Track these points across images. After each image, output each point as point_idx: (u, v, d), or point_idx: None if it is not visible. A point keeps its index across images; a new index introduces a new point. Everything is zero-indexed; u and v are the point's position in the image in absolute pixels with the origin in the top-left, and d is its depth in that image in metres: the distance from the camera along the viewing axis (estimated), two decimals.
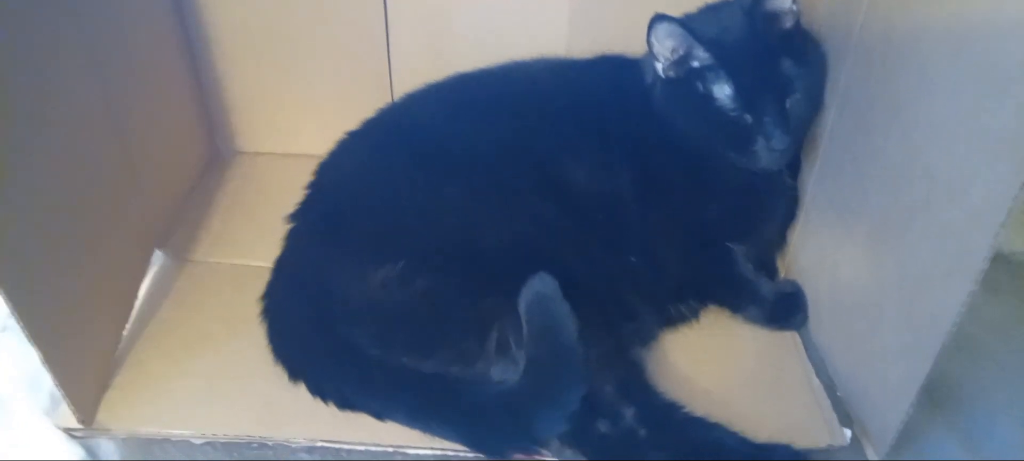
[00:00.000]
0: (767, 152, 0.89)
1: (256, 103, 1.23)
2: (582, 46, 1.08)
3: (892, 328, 0.77)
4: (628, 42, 1.06)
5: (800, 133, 0.92)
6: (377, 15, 1.12)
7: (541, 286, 0.80)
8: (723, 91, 0.89)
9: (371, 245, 0.88)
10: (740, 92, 0.87)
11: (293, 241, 0.96)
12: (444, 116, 0.99)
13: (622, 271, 0.90)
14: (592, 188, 0.92)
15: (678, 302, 0.95)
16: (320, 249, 0.92)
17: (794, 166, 0.97)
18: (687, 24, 0.88)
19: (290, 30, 1.15)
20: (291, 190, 0.99)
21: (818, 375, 0.90)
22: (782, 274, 1.03)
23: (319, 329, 0.87)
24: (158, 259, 1.08)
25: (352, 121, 1.06)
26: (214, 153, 1.27)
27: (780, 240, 1.02)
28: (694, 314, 0.97)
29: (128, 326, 0.95)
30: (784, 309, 0.96)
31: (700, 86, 0.90)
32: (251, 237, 1.11)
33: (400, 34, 1.14)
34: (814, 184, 0.95)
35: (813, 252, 0.96)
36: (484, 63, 1.08)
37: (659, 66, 0.93)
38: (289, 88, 1.21)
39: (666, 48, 0.91)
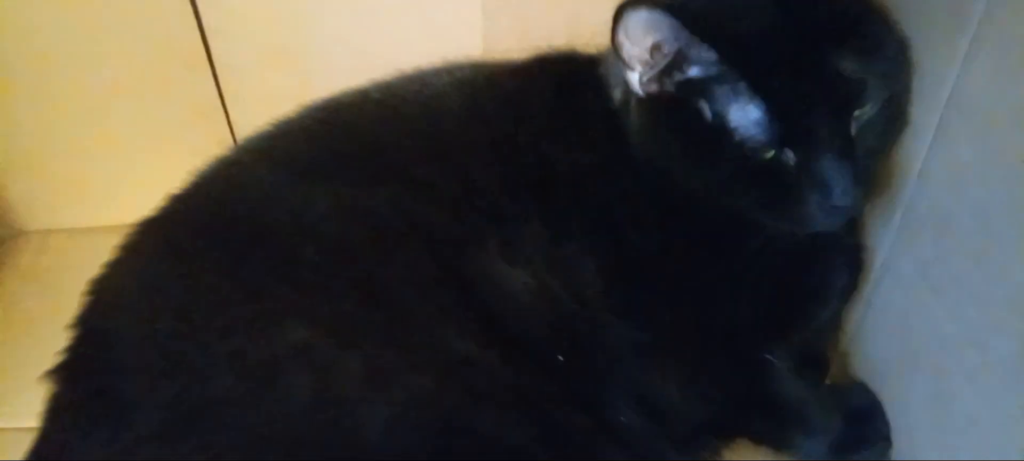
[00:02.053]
0: (824, 211, 0.54)
1: (42, 162, 0.85)
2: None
3: None
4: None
5: (872, 171, 0.57)
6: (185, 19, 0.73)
7: None
8: (745, 115, 0.53)
9: (170, 440, 0.51)
10: (775, 115, 0.52)
11: (55, 422, 0.57)
12: (290, 183, 0.61)
13: (603, 439, 0.54)
14: (539, 299, 0.56)
15: (687, 450, 0.60)
16: (94, 439, 0.54)
17: None
18: (676, 11, 0.52)
19: (70, 56, 0.77)
20: None
21: None
22: (833, 369, 0.68)
23: None
24: None
25: (184, 169, 0.68)
26: None
27: (833, 322, 0.67)
28: (713, 452, 0.63)
29: None
30: (854, 437, 0.62)
31: (705, 108, 0.55)
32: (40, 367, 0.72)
33: (222, 40, 0.75)
34: (895, 241, 0.60)
35: (894, 344, 0.62)
36: (356, 73, 0.69)
37: (634, 77, 0.57)
38: (86, 138, 0.83)
39: (643, 48, 0.55)
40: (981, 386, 0.51)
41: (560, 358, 0.54)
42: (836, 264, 0.62)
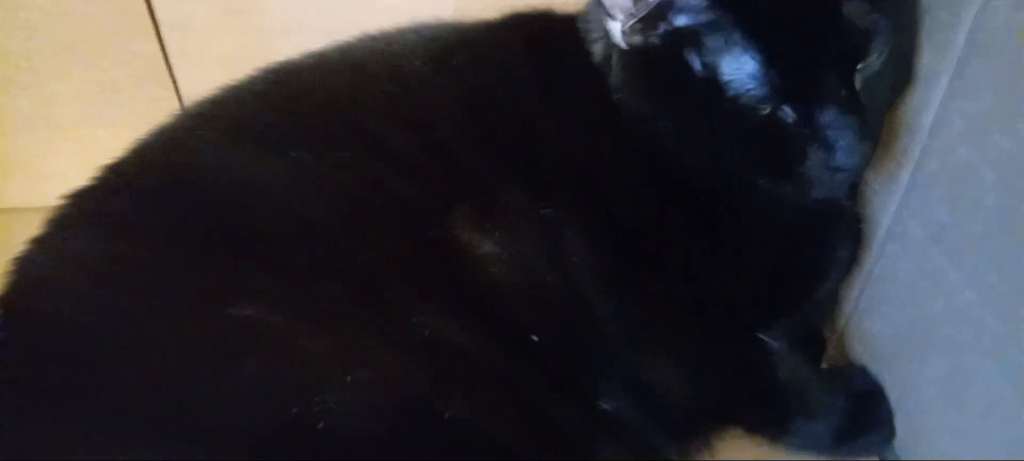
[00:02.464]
0: (826, 172, 0.49)
1: None
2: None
3: None
4: None
5: (878, 129, 0.52)
6: None
7: None
8: (740, 67, 0.48)
9: (105, 432, 0.45)
10: (772, 67, 0.47)
11: None
12: (241, 150, 0.55)
13: (589, 428, 0.50)
14: (518, 273, 0.50)
15: (682, 439, 0.56)
16: (18, 430, 0.47)
17: None
18: None
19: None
20: None
21: None
22: (829, 350, 0.64)
23: None
24: None
25: (125, 141, 0.61)
26: None
27: (830, 298, 0.63)
28: (705, 443, 0.58)
29: None
30: (855, 422, 0.58)
31: (695, 60, 0.49)
32: None
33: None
34: (901, 204, 0.55)
35: (900, 319, 0.57)
36: (317, 33, 0.62)
37: (615, 27, 0.51)
38: (16, 108, 0.75)
39: None
40: (1004, 361, 0.46)
41: (534, 338, 0.49)
42: (838, 233, 0.58)
